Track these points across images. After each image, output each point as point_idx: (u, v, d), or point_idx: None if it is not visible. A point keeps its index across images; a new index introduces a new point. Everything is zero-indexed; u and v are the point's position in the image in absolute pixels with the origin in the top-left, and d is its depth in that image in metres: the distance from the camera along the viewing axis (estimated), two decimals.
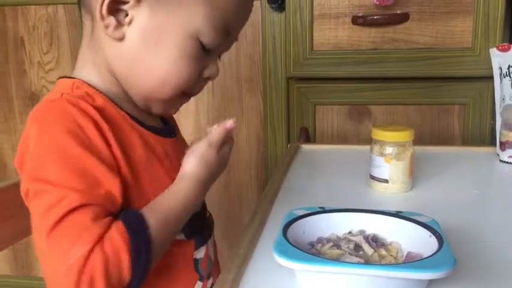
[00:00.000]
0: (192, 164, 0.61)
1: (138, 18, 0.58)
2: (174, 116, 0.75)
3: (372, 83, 1.20)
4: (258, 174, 1.33)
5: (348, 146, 1.09)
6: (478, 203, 0.76)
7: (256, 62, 1.27)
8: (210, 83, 0.69)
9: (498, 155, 0.96)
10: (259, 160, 1.32)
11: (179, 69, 0.60)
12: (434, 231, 0.52)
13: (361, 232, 0.57)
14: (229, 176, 1.34)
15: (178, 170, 0.62)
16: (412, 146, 0.78)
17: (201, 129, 1.32)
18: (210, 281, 0.68)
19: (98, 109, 0.57)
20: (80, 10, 0.64)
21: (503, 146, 0.94)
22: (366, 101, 1.21)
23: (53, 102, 0.57)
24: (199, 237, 0.67)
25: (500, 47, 1.05)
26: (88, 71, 0.62)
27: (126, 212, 0.54)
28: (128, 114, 0.61)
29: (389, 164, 0.77)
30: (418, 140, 0.82)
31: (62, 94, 0.57)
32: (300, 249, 0.48)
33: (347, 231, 0.57)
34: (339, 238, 0.56)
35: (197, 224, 0.66)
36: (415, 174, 0.81)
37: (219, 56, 0.66)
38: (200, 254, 0.67)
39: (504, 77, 1.01)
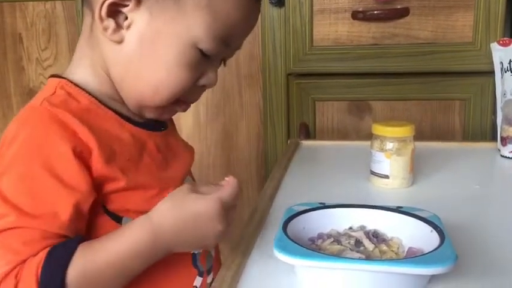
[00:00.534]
0: (164, 212, 0.52)
1: (138, 22, 0.57)
2: None
3: (372, 79, 1.20)
4: (257, 170, 1.32)
5: (348, 141, 1.09)
6: (479, 198, 0.76)
7: (255, 58, 1.26)
8: None
9: (499, 150, 0.96)
10: (259, 156, 1.31)
11: (173, 78, 0.58)
12: (435, 226, 0.52)
13: (362, 228, 0.57)
14: (229, 172, 1.34)
15: (168, 162, 0.61)
16: (412, 142, 0.78)
17: (200, 125, 1.31)
18: (211, 276, 0.67)
19: (82, 111, 0.56)
20: (82, 4, 0.63)
21: (504, 141, 0.94)
22: (366, 96, 1.21)
23: (33, 112, 0.57)
24: None
25: (501, 42, 1.05)
26: (83, 67, 0.61)
27: (55, 250, 0.50)
28: (118, 113, 0.61)
29: (389, 159, 0.77)
30: (419, 136, 0.81)
31: (43, 100, 0.57)
32: (300, 245, 0.48)
33: (347, 226, 0.57)
34: (339, 234, 0.56)
35: None
36: (416, 169, 0.80)
37: (225, 62, 0.65)
38: None
39: (505, 72, 1.00)
